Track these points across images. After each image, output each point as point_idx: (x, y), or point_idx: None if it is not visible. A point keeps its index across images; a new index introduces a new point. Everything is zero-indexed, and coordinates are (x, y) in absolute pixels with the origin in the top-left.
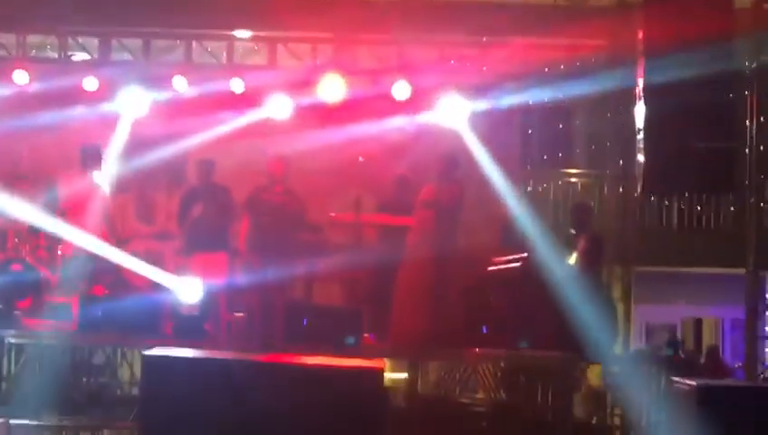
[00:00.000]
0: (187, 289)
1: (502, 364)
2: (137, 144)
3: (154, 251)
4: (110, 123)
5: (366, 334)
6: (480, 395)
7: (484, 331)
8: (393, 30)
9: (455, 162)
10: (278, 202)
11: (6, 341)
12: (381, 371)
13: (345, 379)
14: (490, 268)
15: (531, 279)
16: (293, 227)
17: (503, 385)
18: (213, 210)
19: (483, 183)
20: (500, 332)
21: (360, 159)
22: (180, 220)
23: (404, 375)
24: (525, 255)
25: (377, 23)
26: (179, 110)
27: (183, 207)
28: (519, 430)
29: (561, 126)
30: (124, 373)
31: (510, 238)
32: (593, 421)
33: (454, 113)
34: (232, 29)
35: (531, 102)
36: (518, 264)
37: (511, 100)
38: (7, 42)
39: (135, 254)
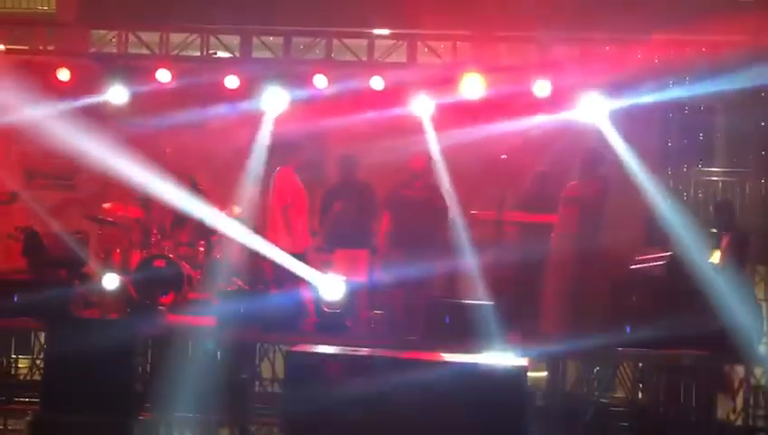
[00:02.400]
0: (329, 286)
1: (640, 364)
2: (276, 142)
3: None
4: (250, 121)
5: (509, 332)
6: (619, 394)
7: (628, 330)
8: (534, 28)
9: (599, 158)
10: (420, 198)
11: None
12: (525, 369)
13: (488, 376)
14: (633, 266)
15: (675, 277)
16: (435, 223)
17: (643, 384)
18: (355, 207)
19: (625, 180)
20: (643, 330)
21: (503, 156)
22: (322, 217)
23: (544, 373)
24: (670, 252)
25: (517, 21)
26: (319, 107)
27: (325, 203)
28: (660, 430)
29: (702, 124)
30: (265, 369)
31: (653, 235)
32: (737, 422)
33: (594, 111)
34: (372, 27)
35: (671, 100)
36: (662, 262)
37: (651, 97)
38: (150, 40)
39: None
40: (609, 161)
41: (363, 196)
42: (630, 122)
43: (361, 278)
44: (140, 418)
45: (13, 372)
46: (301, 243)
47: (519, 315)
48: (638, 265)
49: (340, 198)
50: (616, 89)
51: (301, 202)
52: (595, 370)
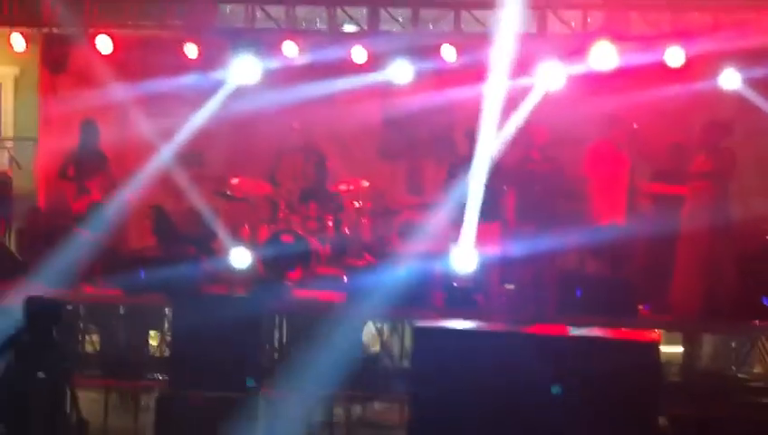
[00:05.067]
0: (460, 260)
1: None
2: (403, 113)
3: (424, 222)
4: (377, 94)
5: (641, 306)
6: (758, 370)
7: (765, 302)
8: None
9: (726, 129)
10: (545, 171)
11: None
12: (657, 343)
13: (620, 351)
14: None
15: None
16: (561, 196)
17: None
18: (487, 181)
19: (763, 148)
20: None
21: (635, 126)
22: (448, 189)
23: (680, 349)
24: None
25: None
26: (447, 79)
27: (452, 175)
28: None
29: None
30: (395, 345)
31: None
32: None
33: (729, 79)
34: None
35: None
36: None
37: None
38: (276, 14)
39: (406, 224)
40: (734, 132)
41: (495, 170)
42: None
43: (492, 252)
44: (268, 394)
45: (144, 349)
46: None
47: (651, 289)
48: None
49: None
50: (751, 57)
51: None
52: (732, 344)
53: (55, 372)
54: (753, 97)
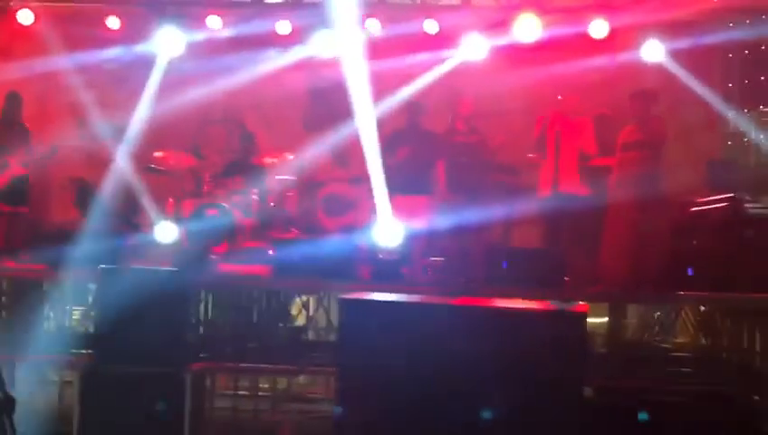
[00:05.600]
0: (386, 233)
1: (702, 308)
2: (329, 86)
3: (349, 195)
4: (302, 67)
5: (566, 277)
6: (681, 339)
7: (690, 273)
8: None
9: (653, 97)
10: (471, 143)
11: (203, 286)
12: (584, 314)
13: (547, 323)
14: (694, 209)
15: (738, 220)
16: (489, 168)
17: (704, 329)
18: (419, 153)
19: (687, 120)
20: (705, 274)
21: (559, 97)
22: (383, 161)
23: (605, 319)
24: (732, 195)
25: None
26: (372, 51)
27: (387, 148)
28: (723, 374)
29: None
30: (320, 319)
31: (716, 177)
32: None
33: (653, 51)
34: None
35: (731, 41)
36: (724, 204)
37: (713, 39)
38: None
39: (330, 197)
40: (661, 101)
41: (426, 143)
42: (691, 63)
43: (420, 225)
44: (193, 369)
45: (67, 324)
46: None
47: (576, 259)
48: (700, 208)
49: (405, 145)
50: (675, 29)
51: None
52: (656, 314)
53: None
54: (676, 69)
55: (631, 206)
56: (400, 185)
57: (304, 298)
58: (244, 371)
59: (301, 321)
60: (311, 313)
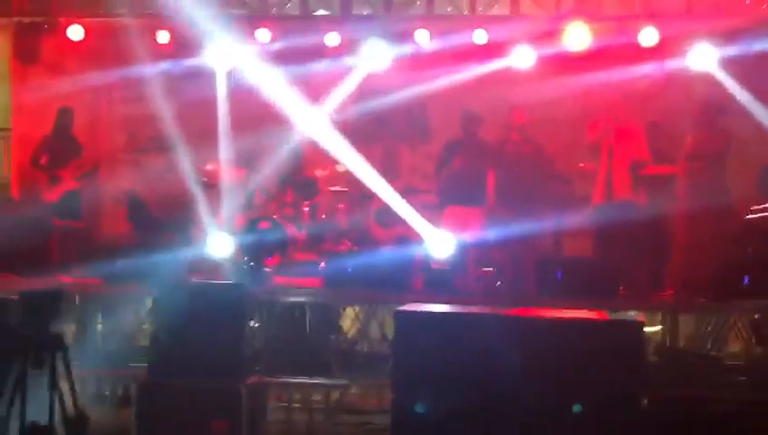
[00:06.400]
0: (439, 243)
1: (756, 316)
2: (378, 97)
3: (399, 206)
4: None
5: (621, 287)
6: (734, 349)
7: (746, 281)
8: None
9: (720, 109)
10: (523, 153)
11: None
12: (641, 324)
13: (603, 332)
14: (748, 216)
15: None
16: (542, 178)
17: (758, 338)
18: (473, 164)
19: (739, 128)
20: (760, 283)
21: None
22: (438, 170)
23: (658, 328)
24: None
25: None
26: (422, 63)
27: (443, 158)
28: None
29: None
30: (374, 331)
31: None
32: None
33: (704, 59)
34: None
35: None
36: None
37: (763, 46)
38: (250, 0)
39: (382, 209)
40: (728, 112)
41: (482, 153)
42: (742, 70)
43: (472, 236)
44: (249, 382)
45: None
46: None
47: (631, 269)
48: (753, 216)
49: (461, 155)
50: (726, 36)
51: None
52: (710, 322)
53: (55, 365)
54: (726, 77)
55: (701, 214)
56: (454, 195)
57: (356, 310)
58: (298, 384)
59: (353, 333)
60: (363, 325)
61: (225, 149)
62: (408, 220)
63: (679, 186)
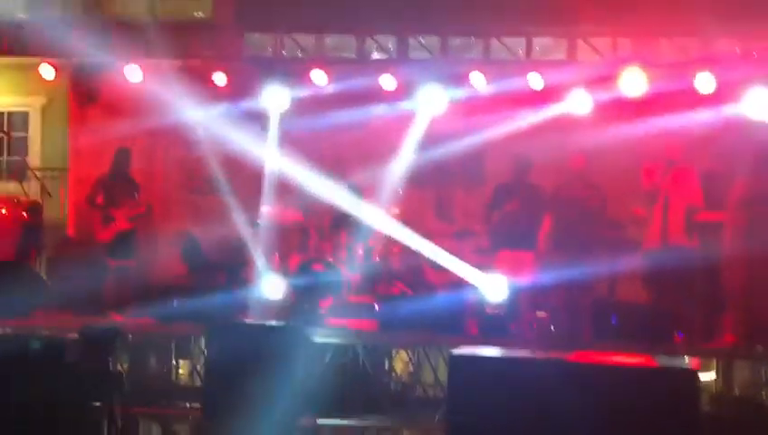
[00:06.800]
0: (492, 287)
1: None
2: (433, 141)
3: (453, 250)
4: (408, 122)
5: (676, 333)
6: None
7: None
8: (695, 22)
9: None
10: (581, 197)
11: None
12: (696, 371)
13: (658, 379)
14: None
15: None
16: (597, 223)
17: None
18: (525, 207)
19: None
20: None
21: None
22: (489, 213)
23: (712, 375)
24: None
25: (678, 15)
26: (477, 107)
27: (495, 202)
28: None
29: None
30: (427, 375)
31: None
32: None
33: (760, 104)
34: (530, 26)
35: None
36: None
37: None
38: (306, 43)
39: (434, 252)
40: None
41: (534, 197)
42: None
43: (526, 280)
44: (302, 423)
45: (173, 378)
46: None
47: (684, 315)
48: None
49: (513, 198)
50: None
51: None
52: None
53: (112, 401)
54: None
55: (756, 261)
56: (506, 239)
57: (410, 353)
58: (351, 427)
59: (406, 376)
60: (416, 368)
61: (281, 191)
62: (458, 266)
63: (730, 231)
